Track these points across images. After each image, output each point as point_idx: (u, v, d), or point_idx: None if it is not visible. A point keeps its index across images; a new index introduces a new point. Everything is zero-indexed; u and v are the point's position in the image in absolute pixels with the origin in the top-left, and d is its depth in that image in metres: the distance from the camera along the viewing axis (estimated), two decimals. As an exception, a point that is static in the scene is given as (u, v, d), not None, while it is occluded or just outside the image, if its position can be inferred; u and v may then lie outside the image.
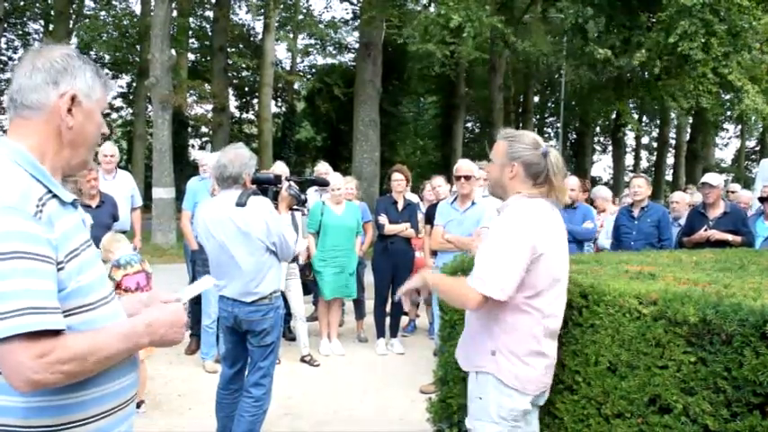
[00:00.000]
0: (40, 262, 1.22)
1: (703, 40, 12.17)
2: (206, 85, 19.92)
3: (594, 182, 28.62)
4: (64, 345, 1.22)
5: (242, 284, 3.28)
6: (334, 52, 26.43)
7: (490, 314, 2.28)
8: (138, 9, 21.71)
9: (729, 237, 5.14)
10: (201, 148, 28.18)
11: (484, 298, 2.17)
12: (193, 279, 5.63)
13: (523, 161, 2.31)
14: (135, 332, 1.37)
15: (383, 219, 5.99)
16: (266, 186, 3.41)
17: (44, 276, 1.22)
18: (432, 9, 14.72)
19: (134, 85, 24.05)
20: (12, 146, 1.33)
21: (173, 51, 14.35)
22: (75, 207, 1.41)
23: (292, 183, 3.59)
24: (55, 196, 1.32)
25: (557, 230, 2.32)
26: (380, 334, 6.09)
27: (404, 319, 6.73)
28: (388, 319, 6.17)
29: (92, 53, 23.92)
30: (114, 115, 28.31)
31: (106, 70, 25.54)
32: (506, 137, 2.38)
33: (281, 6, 18.03)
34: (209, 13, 22.83)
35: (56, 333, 1.22)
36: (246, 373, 3.47)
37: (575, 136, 32.23)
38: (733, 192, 7.99)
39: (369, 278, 6.35)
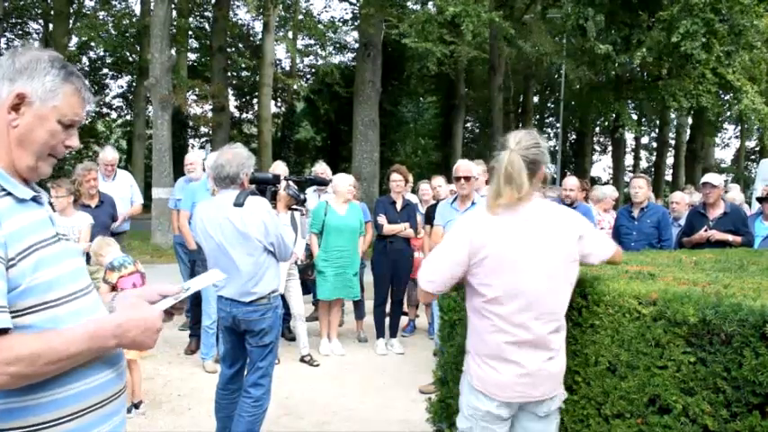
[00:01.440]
0: None
1: (704, 40, 12.17)
2: (206, 85, 19.94)
3: (594, 182, 28.60)
4: (8, 345, 1.19)
5: (240, 284, 3.27)
6: (333, 52, 26.44)
7: (467, 315, 2.36)
8: (137, 9, 21.74)
9: (729, 237, 5.13)
10: (201, 148, 28.20)
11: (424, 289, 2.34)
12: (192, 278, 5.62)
13: (494, 162, 2.28)
14: (101, 333, 1.33)
15: (382, 219, 5.99)
16: (265, 186, 3.41)
17: None
18: (430, 6, 14.71)
19: (134, 85, 24.06)
20: None
21: (172, 51, 14.35)
22: (38, 203, 1.39)
23: (291, 182, 3.59)
24: (9, 194, 1.31)
25: (512, 236, 2.18)
26: (380, 334, 6.09)
27: (403, 320, 6.73)
28: (387, 319, 6.17)
29: (91, 53, 23.96)
30: (114, 115, 28.35)
31: (106, 70, 25.64)
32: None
33: (281, 6, 18.01)
34: (209, 14, 22.82)
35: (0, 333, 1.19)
36: (246, 373, 3.47)
37: (574, 136, 32.26)
38: (727, 191, 8.00)
39: (368, 278, 6.35)
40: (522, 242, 2.19)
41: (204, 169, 5.71)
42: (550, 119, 33.99)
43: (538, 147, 2.23)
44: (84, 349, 1.30)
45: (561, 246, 2.24)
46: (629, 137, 30.23)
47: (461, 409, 2.40)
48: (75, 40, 21.44)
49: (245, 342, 3.40)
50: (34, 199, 1.37)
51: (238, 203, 3.17)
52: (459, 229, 2.27)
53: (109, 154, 6.29)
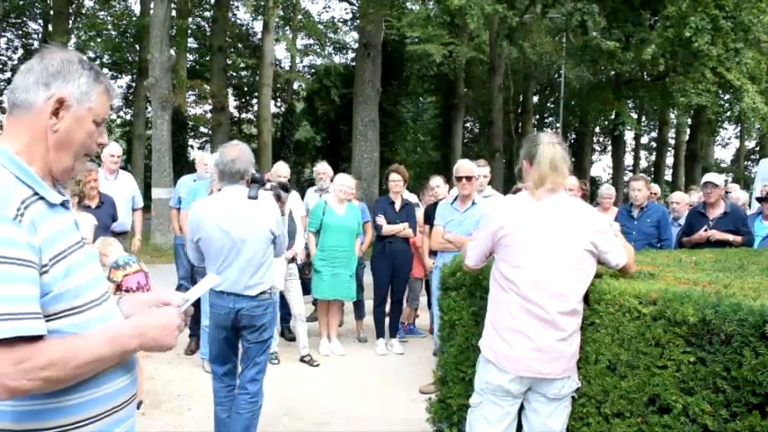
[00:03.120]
0: (19, 266, 1.19)
1: (709, 37, 12.15)
2: (205, 85, 19.91)
3: (594, 182, 28.60)
4: (41, 351, 1.20)
5: (248, 277, 3.28)
6: (333, 53, 26.43)
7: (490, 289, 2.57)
8: (137, 9, 21.74)
9: (730, 237, 5.13)
10: (201, 148, 28.18)
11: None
12: (191, 279, 5.62)
13: (526, 157, 2.52)
14: (121, 335, 1.35)
15: (381, 219, 5.98)
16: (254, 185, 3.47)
17: (23, 281, 1.20)
18: (431, 5, 14.70)
19: (133, 85, 24.05)
20: None
21: (172, 51, 14.34)
22: (66, 208, 1.39)
23: (274, 183, 3.69)
24: (41, 198, 1.31)
25: (530, 220, 2.42)
26: (380, 334, 6.08)
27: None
28: (387, 319, 6.16)
29: (90, 53, 23.93)
30: (114, 115, 28.32)
31: (106, 70, 25.62)
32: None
33: (280, 6, 18.01)
34: (209, 13, 22.82)
35: (34, 339, 1.20)
36: (241, 369, 3.46)
37: (574, 136, 32.23)
38: (728, 192, 7.98)
39: (368, 278, 6.35)
40: (537, 226, 2.40)
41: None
42: (550, 119, 33.95)
43: (564, 147, 2.53)
44: (108, 352, 1.32)
45: (575, 234, 2.38)
46: (629, 136, 30.24)
47: (475, 385, 2.56)
48: (73, 39, 21.42)
49: (242, 339, 3.39)
50: (62, 204, 1.38)
51: (253, 196, 3.22)
52: (491, 211, 2.61)
53: (113, 147, 6.27)
